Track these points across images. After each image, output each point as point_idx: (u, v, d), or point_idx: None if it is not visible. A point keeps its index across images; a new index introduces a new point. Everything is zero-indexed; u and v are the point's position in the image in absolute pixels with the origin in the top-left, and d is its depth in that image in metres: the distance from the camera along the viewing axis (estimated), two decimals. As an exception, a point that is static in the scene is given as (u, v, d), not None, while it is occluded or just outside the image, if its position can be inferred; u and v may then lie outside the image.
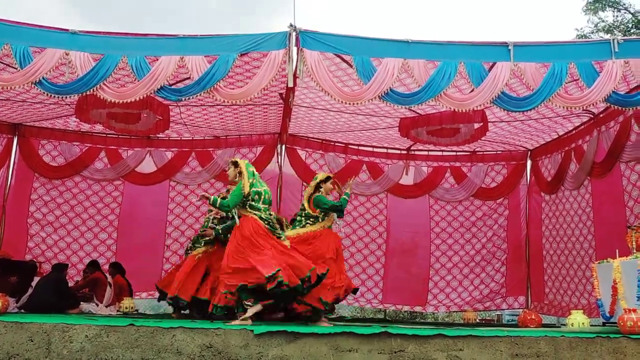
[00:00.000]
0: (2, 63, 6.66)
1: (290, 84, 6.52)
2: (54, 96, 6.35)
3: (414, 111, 8.21)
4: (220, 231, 7.18)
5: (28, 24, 6.29)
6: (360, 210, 10.61)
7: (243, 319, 5.69)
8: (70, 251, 9.92)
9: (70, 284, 8.71)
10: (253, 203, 6.04)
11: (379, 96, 6.35)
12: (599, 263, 6.73)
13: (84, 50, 6.18)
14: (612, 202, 8.15)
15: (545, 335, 5.07)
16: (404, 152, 10.80)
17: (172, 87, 6.56)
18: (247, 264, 5.76)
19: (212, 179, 10.44)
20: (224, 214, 6.89)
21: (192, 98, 6.49)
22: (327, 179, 6.99)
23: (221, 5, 52.96)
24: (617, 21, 18.98)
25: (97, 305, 8.18)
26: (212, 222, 7.47)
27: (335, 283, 6.52)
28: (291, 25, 6.33)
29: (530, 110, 6.68)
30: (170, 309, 8.01)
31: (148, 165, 10.40)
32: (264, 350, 4.83)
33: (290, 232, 6.68)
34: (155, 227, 10.22)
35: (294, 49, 6.34)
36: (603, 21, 19.05)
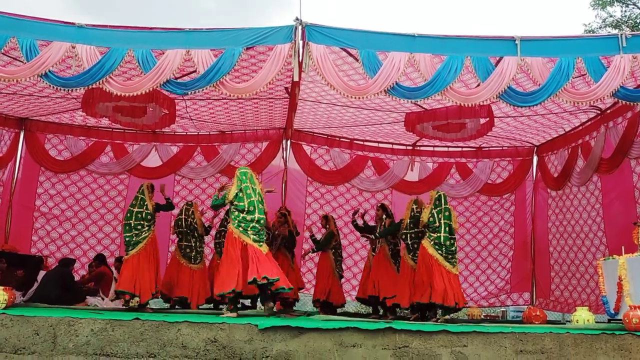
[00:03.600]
0: (8, 56, 6.66)
1: (296, 78, 6.51)
2: (61, 89, 6.36)
3: (419, 106, 8.17)
4: None
5: (34, 17, 6.30)
6: (365, 206, 10.59)
7: None
8: (74, 244, 9.98)
9: (75, 277, 8.75)
10: None
11: (384, 90, 6.32)
12: (604, 260, 6.70)
13: (90, 43, 6.17)
14: (622, 198, 8.10)
15: (550, 332, 5.06)
16: (410, 147, 10.77)
17: (178, 80, 6.56)
18: None
19: (218, 173, 10.46)
20: None
21: (198, 92, 6.48)
22: None
23: (220, 4, 52.78)
24: (625, 16, 18.83)
25: (103, 299, 8.20)
26: None
27: None
28: (297, 18, 6.31)
29: (537, 105, 6.65)
30: None
31: (154, 160, 10.43)
32: (268, 345, 4.83)
33: None
34: (160, 221, 10.21)
35: (300, 43, 6.33)
36: (611, 16, 18.90)
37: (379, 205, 8.83)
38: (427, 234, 7.17)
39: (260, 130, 10.33)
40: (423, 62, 6.35)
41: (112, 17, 45.92)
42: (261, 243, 6.47)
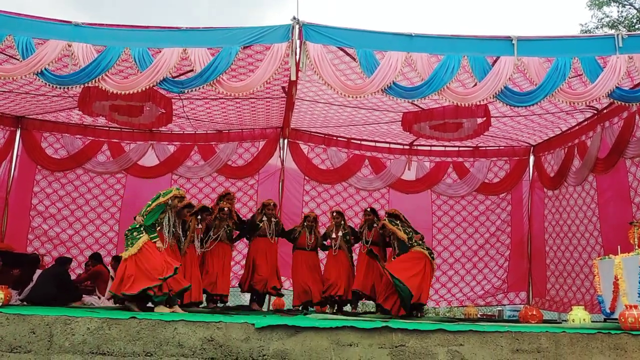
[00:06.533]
0: (4, 54, 6.65)
1: (293, 77, 6.51)
2: (57, 87, 6.35)
3: (416, 105, 8.18)
4: None
5: (31, 15, 6.29)
6: (362, 205, 10.59)
7: None
8: (71, 243, 9.94)
9: (72, 276, 8.71)
10: None
11: (381, 90, 6.33)
12: (600, 259, 6.72)
13: (86, 41, 6.17)
14: (618, 198, 8.12)
15: (546, 331, 5.06)
16: (407, 147, 10.77)
17: (175, 79, 6.56)
18: None
19: (214, 172, 10.45)
20: None
21: (195, 91, 6.48)
22: None
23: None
24: (622, 16, 18.88)
25: (99, 297, 8.17)
26: None
27: None
28: (294, 18, 6.31)
29: (533, 105, 6.66)
30: None
31: (150, 159, 10.41)
32: (265, 344, 4.83)
33: None
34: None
35: (297, 42, 6.33)
36: (607, 16, 18.95)
37: (368, 209, 8.92)
38: (418, 243, 7.94)
39: (258, 129, 10.33)
40: (420, 62, 6.35)
41: (109, 13, 45.77)
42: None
